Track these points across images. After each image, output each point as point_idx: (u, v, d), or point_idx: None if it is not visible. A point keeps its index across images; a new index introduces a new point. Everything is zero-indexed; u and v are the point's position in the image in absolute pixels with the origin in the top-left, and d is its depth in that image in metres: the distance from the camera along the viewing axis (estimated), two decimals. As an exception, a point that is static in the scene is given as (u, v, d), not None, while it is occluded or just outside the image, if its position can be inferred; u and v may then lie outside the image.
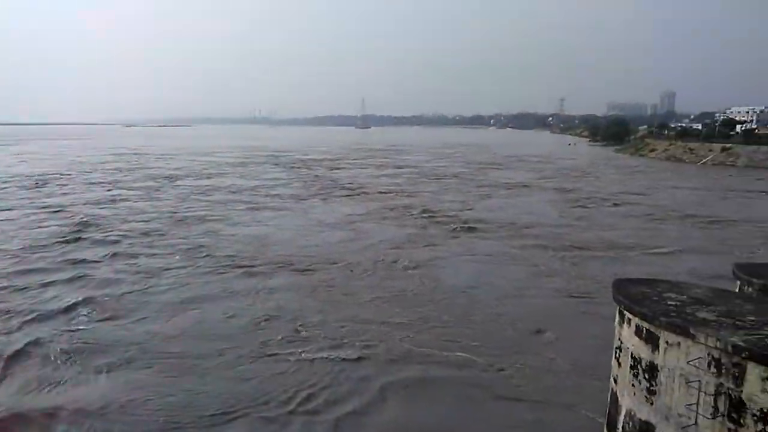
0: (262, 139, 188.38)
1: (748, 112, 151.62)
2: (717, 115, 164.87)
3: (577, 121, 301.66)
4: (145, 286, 20.80)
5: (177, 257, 25.16)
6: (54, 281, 21.29)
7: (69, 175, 60.52)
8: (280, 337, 16.17)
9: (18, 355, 14.95)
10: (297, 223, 34.29)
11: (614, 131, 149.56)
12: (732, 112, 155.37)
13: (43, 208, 38.30)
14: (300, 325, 17.07)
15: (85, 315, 17.87)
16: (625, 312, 8.34)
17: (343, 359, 14.86)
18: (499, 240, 29.58)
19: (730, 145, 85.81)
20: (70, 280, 21.46)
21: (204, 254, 25.64)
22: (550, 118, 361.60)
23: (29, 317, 17.55)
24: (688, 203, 43.44)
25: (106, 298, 19.39)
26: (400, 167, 77.31)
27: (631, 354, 8.11)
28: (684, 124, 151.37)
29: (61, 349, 15.10)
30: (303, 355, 15.06)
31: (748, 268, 10.11)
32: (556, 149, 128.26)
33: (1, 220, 33.65)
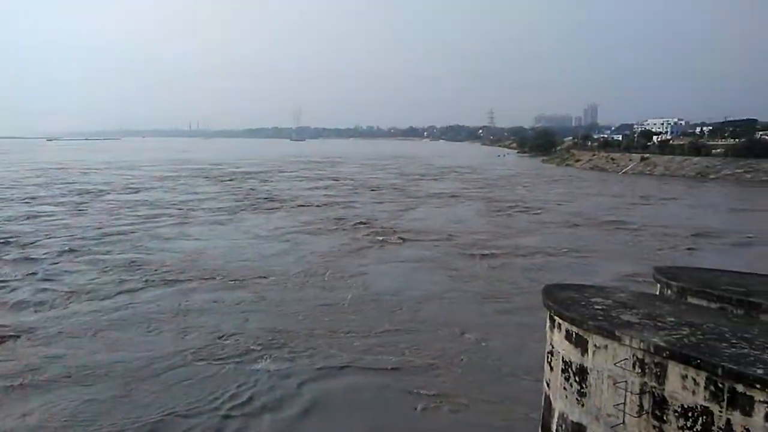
0: (195, 151, 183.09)
1: (663, 124, 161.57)
2: (635, 126, 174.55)
3: (506, 133, 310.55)
4: (67, 305, 19.75)
5: (102, 273, 24.09)
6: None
7: None
8: (202, 348, 15.97)
9: None
10: (228, 236, 33.76)
11: (541, 142, 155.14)
12: (648, 124, 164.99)
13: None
14: (222, 337, 16.92)
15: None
16: (556, 317, 8.61)
17: (269, 370, 14.84)
18: (426, 248, 30.43)
19: (647, 155, 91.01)
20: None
21: (132, 269, 24.76)
22: (481, 131, 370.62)
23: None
24: (606, 210, 46.03)
25: (22, 320, 18.25)
26: (335, 179, 77.24)
27: (563, 358, 8.37)
28: (606, 136, 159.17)
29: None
30: (227, 366, 14.88)
31: (667, 271, 10.68)
32: (486, 160, 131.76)
33: None
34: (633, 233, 35.30)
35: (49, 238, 31.76)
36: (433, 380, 14.25)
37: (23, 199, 50.05)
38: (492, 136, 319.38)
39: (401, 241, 32.11)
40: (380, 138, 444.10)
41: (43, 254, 27.73)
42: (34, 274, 23.95)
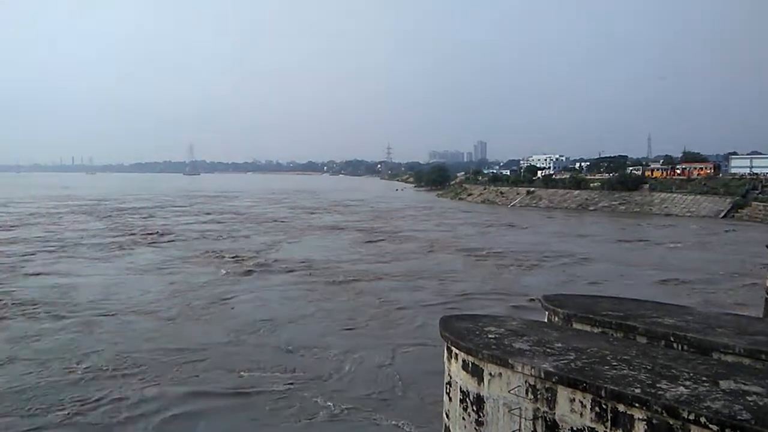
0: (78, 187, 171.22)
1: (546, 160, 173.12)
2: (522, 162, 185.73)
3: (403, 168, 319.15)
4: None
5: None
6: None
7: None
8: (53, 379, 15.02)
9: None
10: (105, 270, 32.74)
11: (436, 176, 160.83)
12: (533, 160, 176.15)
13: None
14: (77, 365, 16.45)
15: None
16: (452, 347, 8.75)
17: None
18: (292, 276, 31.64)
19: (533, 189, 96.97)
20: None
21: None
22: (379, 165, 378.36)
23: None
24: (474, 236, 49.64)
25: None
26: (227, 213, 75.86)
27: (460, 388, 8.50)
28: (495, 171, 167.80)
29: None
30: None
31: (554, 299, 11.26)
32: (383, 194, 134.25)
33: None
34: (494, 258, 38.12)
35: None
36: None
37: None
38: (390, 171, 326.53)
39: (270, 271, 32.96)
40: (280, 172, 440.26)
41: None
42: None
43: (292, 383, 15.55)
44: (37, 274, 31.03)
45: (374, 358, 17.68)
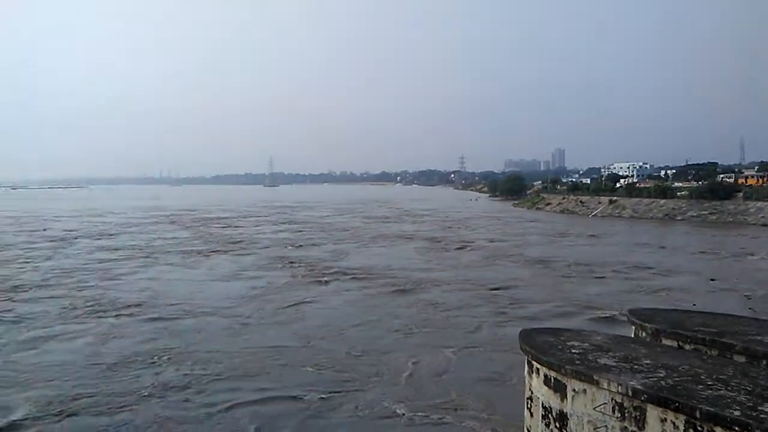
0: (165, 198, 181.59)
1: (629, 168, 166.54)
2: (602, 170, 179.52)
3: (477, 177, 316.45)
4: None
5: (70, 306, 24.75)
6: None
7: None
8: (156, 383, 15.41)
9: None
10: (189, 276, 34.63)
11: (511, 186, 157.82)
12: (615, 168, 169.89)
13: None
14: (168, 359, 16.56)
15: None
16: (533, 362, 8.57)
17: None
18: (360, 282, 31.88)
19: (615, 198, 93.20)
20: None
21: (97, 302, 26.34)
22: (452, 175, 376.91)
23: None
24: (551, 246, 47.10)
25: None
26: (302, 222, 78.33)
27: (542, 404, 8.30)
28: (574, 179, 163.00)
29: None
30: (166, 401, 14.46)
31: (640, 313, 10.79)
32: (455, 203, 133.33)
33: None
34: (572, 269, 35.92)
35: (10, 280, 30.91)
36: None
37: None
38: (464, 180, 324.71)
39: (339, 278, 33.28)
40: (354, 183, 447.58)
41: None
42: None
43: (363, 385, 15.79)
44: (131, 275, 33.89)
45: (439, 363, 17.81)
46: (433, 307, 25.73)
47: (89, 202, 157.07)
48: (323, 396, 15.12)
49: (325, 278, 33.09)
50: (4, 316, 23.95)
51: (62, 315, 24.24)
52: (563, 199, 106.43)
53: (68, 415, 13.94)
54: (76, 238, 56.19)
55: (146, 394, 15.19)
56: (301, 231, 64.56)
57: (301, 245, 49.81)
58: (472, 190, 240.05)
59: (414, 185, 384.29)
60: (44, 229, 66.48)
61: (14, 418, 13.72)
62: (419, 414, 14.02)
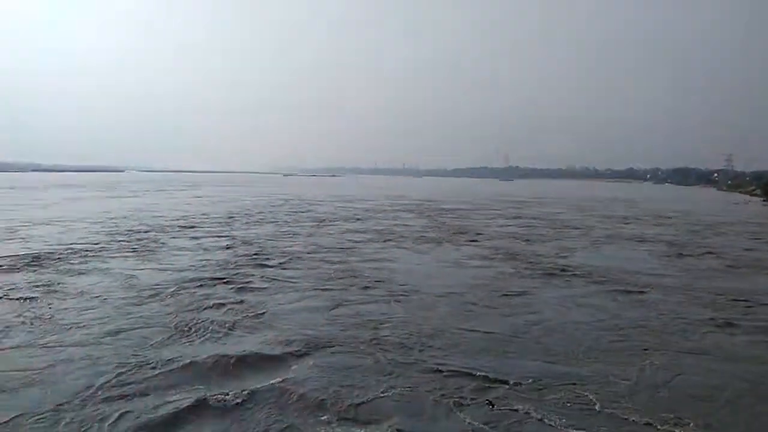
0: (406, 188, 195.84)
1: None
2: None
3: (748, 178, 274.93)
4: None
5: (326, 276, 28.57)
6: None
7: (256, 213, 68.33)
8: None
9: None
10: (420, 260, 37.69)
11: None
12: None
13: (227, 237, 44.75)
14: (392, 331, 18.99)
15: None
16: None
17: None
18: (584, 281, 30.85)
19: None
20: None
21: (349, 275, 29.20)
22: (716, 174, 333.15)
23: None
24: None
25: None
26: (533, 217, 77.82)
27: None
28: None
29: None
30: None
31: None
32: (713, 207, 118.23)
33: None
34: None
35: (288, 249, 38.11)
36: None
37: (275, 222, 59.75)
38: (729, 181, 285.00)
39: (563, 275, 32.69)
40: (594, 179, 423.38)
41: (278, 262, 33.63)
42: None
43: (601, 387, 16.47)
44: (373, 260, 37.07)
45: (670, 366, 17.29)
46: (655, 309, 24.63)
47: (344, 189, 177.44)
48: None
49: (552, 274, 32.85)
50: (276, 278, 29.60)
51: (318, 280, 28.81)
52: None
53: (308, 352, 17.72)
54: (333, 221, 65.41)
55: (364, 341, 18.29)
56: (532, 226, 64.60)
57: (529, 240, 50.35)
58: (740, 192, 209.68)
59: (666, 184, 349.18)
60: (307, 211, 78.64)
61: (292, 349, 17.90)
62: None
